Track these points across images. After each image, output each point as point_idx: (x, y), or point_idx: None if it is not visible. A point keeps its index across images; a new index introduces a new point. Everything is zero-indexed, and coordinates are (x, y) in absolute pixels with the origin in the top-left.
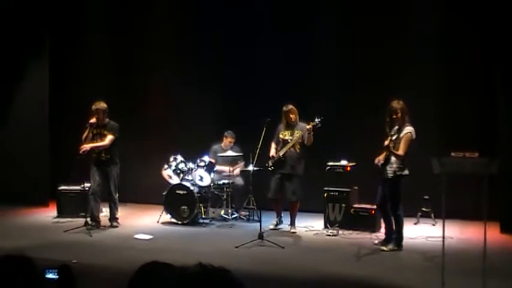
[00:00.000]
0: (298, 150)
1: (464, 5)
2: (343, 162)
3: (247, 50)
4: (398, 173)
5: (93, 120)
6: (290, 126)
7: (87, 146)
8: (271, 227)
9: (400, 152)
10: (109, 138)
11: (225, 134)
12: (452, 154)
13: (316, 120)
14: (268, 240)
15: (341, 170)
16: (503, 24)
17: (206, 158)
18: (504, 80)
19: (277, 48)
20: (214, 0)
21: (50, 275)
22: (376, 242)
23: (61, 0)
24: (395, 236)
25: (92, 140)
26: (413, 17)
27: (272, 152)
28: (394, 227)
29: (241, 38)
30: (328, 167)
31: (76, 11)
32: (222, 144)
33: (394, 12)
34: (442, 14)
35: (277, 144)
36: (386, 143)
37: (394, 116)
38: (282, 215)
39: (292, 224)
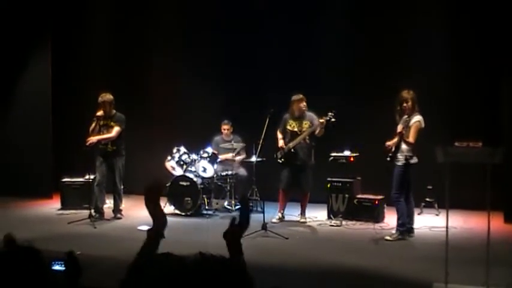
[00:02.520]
0: (308, 141)
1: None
2: (347, 153)
3: (249, 41)
4: (410, 161)
5: (100, 113)
6: (298, 117)
7: (93, 139)
8: (274, 220)
9: (410, 139)
10: (116, 129)
11: (222, 123)
12: (456, 144)
13: (330, 114)
14: (271, 231)
15: (344, 161)
16: (507, 13)
17: (209, 149)
18: (508, 69)
19: (279, 40)
20: None
21: (56, 267)
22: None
23: None
24: (398, 224)
25: (99, 132)
26: (417, 11)
27: (280, 143)
28: (407, 214)
29: (242, 30)
30: (332, 158)
31: (78, 2)
32: (223, 135)
33: (397, 7)
34: (447, 8)
35: (283, 134)
36: (399, 129)
37: (405, 105)
38: (285, 208)
39: (303, 213)
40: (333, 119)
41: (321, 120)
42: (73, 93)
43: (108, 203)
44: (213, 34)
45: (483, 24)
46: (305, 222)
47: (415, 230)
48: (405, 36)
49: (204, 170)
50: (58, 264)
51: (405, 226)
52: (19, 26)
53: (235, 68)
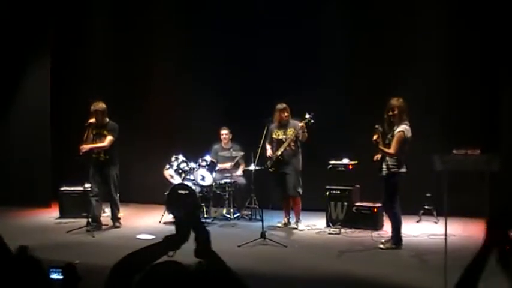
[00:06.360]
0: (293, 148)
1: (467, 4)
2: (345, 161)
3: (248, 48)
4: (392, 170)
5: (92, 120)
6: (282, 126)
7: (86, 147)
8: (279, 225)
9: (391, 150)
10: (109, 139)
11: (220, 129)
12: (454, 151)
13: (307, 116)
14: (270, 239)
15: (343, 169)
16: (505, 21)
17: (208, 158)
18: (507, 76)
19: (277, 47)
20: None
21: (54, 275)
22: (383, 240)
23: None
24: (392, 234)
25: (92, 141)
26: (415, 16)
27: (269, 152)
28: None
29: (241, 37)
30: (330, 166)
31: (78, 8)
32: (222, 144)
33: (395, 11)
34: (445, 12)
35: (271, 144)
36: (374, 137)
37: (391, 113)
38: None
39: (298, 221)
40: (312, 121)
41: (301, 124)
42: (72, 102)
43: (107, 212)
44: (213, 38)
45: (483, 30)
46: (303, 230)
47: (414, 238)
48: (404, 43)
49: (203, 178)
50: (56, 272)
51: (401, 237)
52: (18, 33)
53: (235, 76)
